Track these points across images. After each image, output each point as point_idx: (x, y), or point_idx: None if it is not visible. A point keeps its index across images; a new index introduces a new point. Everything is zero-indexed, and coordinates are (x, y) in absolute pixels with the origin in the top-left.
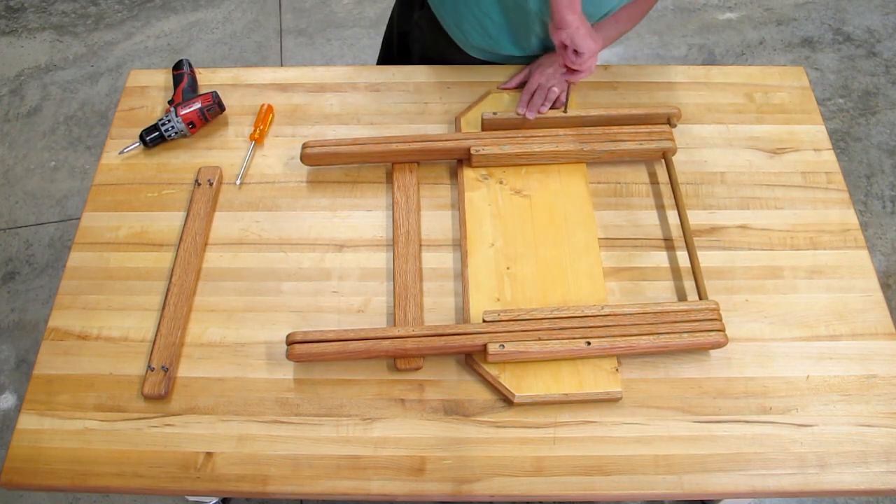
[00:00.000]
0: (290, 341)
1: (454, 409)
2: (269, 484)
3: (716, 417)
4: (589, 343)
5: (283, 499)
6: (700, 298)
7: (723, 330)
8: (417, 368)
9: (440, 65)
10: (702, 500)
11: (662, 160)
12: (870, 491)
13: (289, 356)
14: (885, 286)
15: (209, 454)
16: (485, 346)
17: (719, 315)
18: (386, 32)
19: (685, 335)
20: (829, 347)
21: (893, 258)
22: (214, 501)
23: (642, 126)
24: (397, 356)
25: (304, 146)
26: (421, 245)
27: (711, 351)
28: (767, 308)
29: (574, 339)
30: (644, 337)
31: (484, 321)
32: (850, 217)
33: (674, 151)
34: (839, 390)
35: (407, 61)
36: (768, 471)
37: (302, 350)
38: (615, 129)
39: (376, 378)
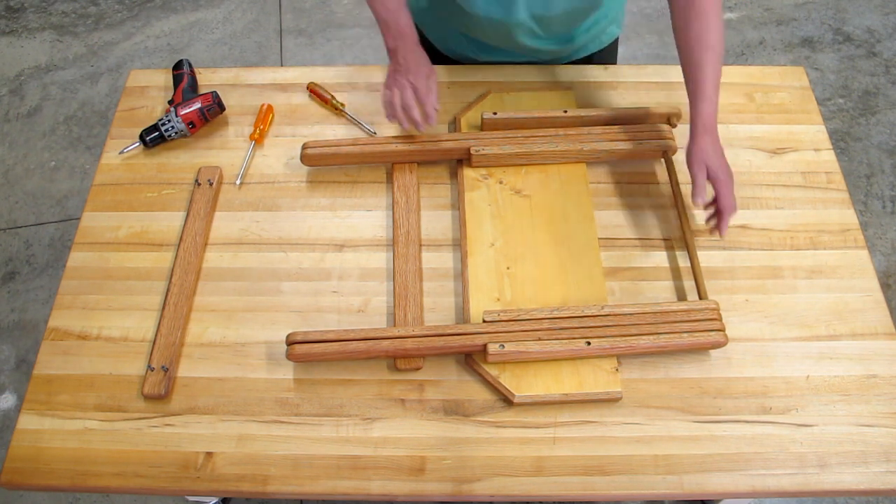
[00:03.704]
0: (290, 341)
1: (454, 409)
2: (269, 484)
3: (716, 417)
4: (589, 343)
5: (283, 499)
6: (700, 298)
7: (723, 330)
8: (417, 368)
9: (440, 65)
10: (702, 500)
11: (662, 160)
12: (870, 491)
13: (289, 356)
14: (885, 286)
15: (209, 454)
16: (485, 346)
17: (719, 315)
18: None
19: (685, 335)
20: (829, 347)
21: (893, 258)
22: (214, 501)
23: (642, 125)
24: (397, 356)
25: (304, 146)
26: (421, 245)
27: (711, 351)
28: (767, 308)
29: (574, 339)
30: (644, 337)
31: (484, 321)
32: (850, 217)
33: (674, 151)
34: (839, 390)
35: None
36: (768, 471)
37: (302, 350)
38: (615, 128)
39: (376, 378)
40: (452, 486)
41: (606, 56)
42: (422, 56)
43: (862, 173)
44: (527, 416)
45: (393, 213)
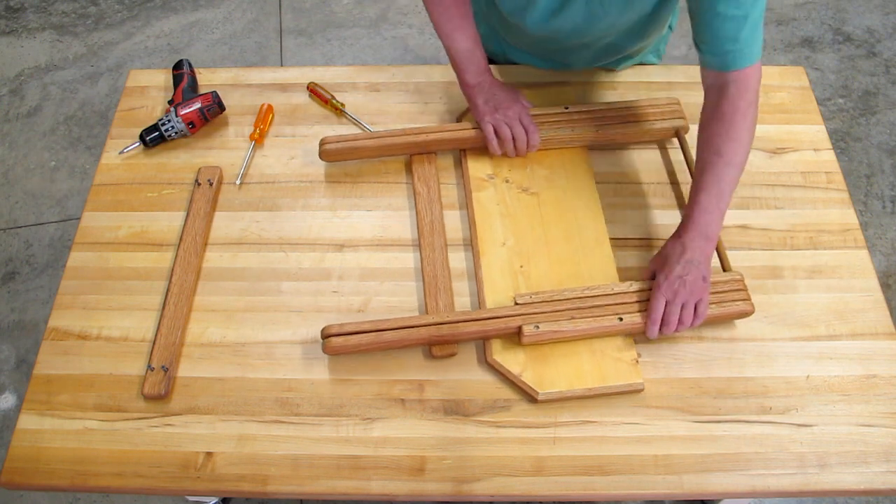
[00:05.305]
0: (326, 335)
1: (454, 409)
2: (269, 484)
3: (716, 417)
4: (621, 319)
5: (283, 499)
6: (724, 271)
7: (749, 299)
8: (453, 354)
9: (440, 65)
10: (702, 500)
11: (663, 149)
12: (870, 491)
13: (325, 350)
14: (885, 286)
15: (209, 454)
16: (519, 328)
17: (744, 285)
18: None
19: (713, 306)
20: (829, 347)
21: (893, 258)
22: (214, 501)
23: (652, 105)
24: (433, 343)
25: (322, 142)
26: (446, 235)
27: (711, 351)
28: (767, 308)
29: (606, 315)
30: None
31: (516, 303)
32: (850, 217)
33: (686, 129)
34: (839, 390)
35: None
36: (768, 471)
37: (338, 343)
38: (626, 109)
39: (376, 378)
40: (452, 486)
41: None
42: (506, 87)
43: (862, 173)
44: (527, 416)
45: (416, 205)
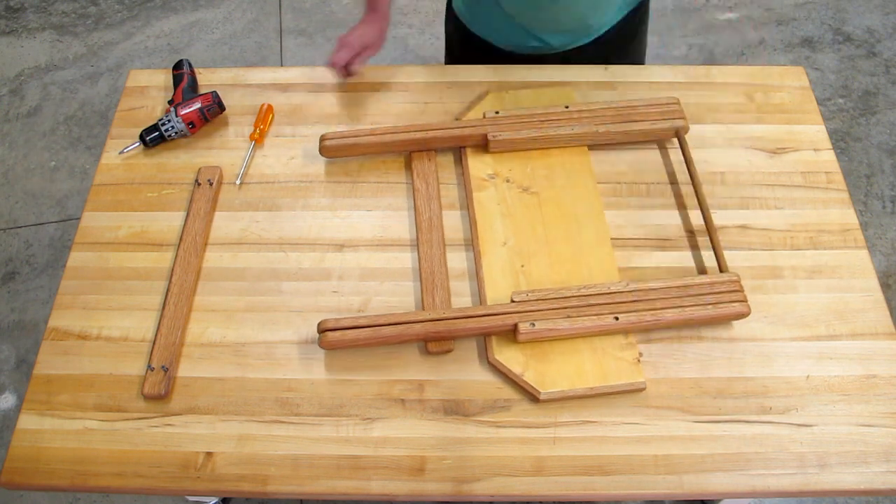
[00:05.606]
0: (322, 329)
1: (454, 409)
2: (269, 484)
3: (716, 417)
4: (617, 318)
5: (283, 499)
6: (721, 271)
7: (745, 301)
8: (448, 351)
9: (440, 65)
10: (702, 500)
11: (663, 149)
12: (870, 491)
13: (321, 344)
14: (885, 286)
15: (209, 454)
16: (515, 325)
17: (741, 286)
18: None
19: (710, 307)
20: (829, 347)
21: (893, 258)
22: (214, 501)
23: (653, 105)
24: (428, 339)
25: (323, 138)
26: (444, 232)
27: (711, 351)
28: (767, 308)
29: (602, 314)
30: (669, 310)
31: (513, 301)
32: (850, 217)
33: (686, 130)
34: (839, 390)
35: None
36: (768, 471)
37: (335, 337)
38: (628, 109)
39: (376, 378)
40: (452, 486)
41: (640, 20)
42: (372, 34)
43: (862, 173)
44: (527, 416)
45: (414, 202)
